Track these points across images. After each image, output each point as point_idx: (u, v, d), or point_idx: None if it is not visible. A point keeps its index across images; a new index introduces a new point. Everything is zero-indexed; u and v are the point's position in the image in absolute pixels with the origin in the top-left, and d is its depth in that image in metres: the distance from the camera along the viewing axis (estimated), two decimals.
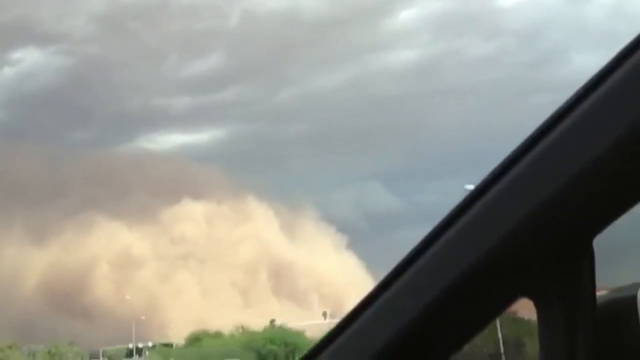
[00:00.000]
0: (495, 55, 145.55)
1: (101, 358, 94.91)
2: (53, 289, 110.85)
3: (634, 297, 1.37)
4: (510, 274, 1.28)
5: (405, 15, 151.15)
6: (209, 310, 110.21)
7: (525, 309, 1.36)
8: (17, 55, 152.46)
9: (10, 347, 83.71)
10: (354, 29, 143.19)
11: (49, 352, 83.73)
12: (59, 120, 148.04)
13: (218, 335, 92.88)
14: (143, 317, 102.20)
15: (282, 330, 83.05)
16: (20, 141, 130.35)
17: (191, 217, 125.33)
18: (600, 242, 1.29)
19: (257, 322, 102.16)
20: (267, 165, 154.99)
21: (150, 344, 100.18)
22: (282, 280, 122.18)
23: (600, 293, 1.34)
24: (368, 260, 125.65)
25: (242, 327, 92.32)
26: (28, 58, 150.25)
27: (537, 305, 1.31)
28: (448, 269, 1.28)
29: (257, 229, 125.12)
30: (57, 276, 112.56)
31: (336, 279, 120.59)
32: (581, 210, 1.24)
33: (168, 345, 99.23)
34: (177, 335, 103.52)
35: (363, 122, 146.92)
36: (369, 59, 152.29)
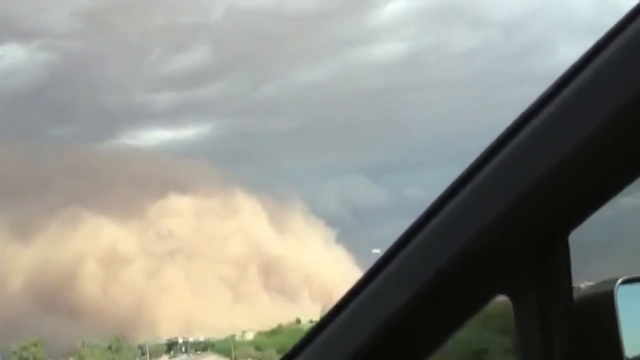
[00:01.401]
0: (481, 48, 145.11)
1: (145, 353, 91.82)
2: (38, 285, 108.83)
3: (611, 293, 1.40)
4: (487, 271, 1.29)
5: (392, 8, 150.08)
6: (199, 306, 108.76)
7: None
8: None
9: (35, 345, 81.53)
10: (340, 22, 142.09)
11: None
12: (41, 117, 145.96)
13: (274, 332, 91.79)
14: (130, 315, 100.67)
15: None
16: (1, 138, 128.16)
17: (178, 212, 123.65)
18: (576, 238, 1.29)
19: (249, 318, 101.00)
20: (252, 160, 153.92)
21: (180, 340, 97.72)
22: (272, 275, 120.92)
23: (576, 288, 1.34)
24: (356, 254, 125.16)
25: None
26: (9, 54, 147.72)
27: (514, 302, 1.32)
28: (424, 267, 1.28)
29: (245, 224, 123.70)
30: (42, 273, 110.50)
31: (326, 274, 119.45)
32: (556, 206, 1.24)
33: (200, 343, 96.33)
34: (166, 332, 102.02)
35: (348, 115, 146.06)
36: (355, 52, 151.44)
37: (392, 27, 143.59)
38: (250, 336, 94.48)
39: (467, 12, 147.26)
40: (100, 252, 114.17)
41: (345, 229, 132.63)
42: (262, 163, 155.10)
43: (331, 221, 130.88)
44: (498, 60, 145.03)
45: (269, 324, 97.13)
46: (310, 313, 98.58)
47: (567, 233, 1.29)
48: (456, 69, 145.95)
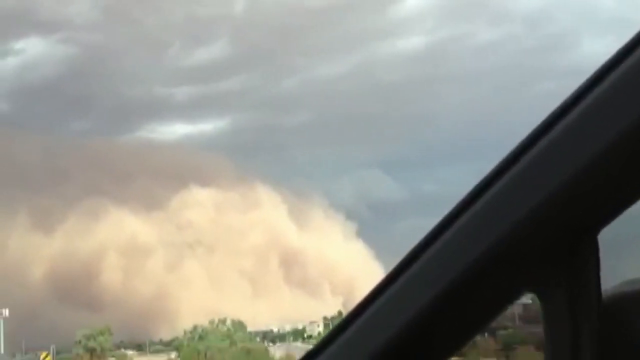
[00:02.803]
0: (502, 41, 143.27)
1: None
2: (59, 276, 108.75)
3: None
4: (515, 268, 1.30)
5: (413, 2, 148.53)
6: (219, 299, 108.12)
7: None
8: (19, 45, 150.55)
9: (102, 334, 78.64)
10: (360, 15, 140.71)
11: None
12: (61, 110, 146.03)
13: None
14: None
15: None
16: (24, 131, 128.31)
17: (198, 204, 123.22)
18: (606, 236, 1.29)
19: (269, 311, 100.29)
20: (270, 153, 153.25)
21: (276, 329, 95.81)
22: (292, 268, 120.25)
23: (606, 287, 1.34)
24: (375, 248, 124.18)
25: None
26: (31, 47, 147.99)
27: (542, 300, 1.33)
28: (452, 264, 1.29)
29: (265, 217, 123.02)
30: (63, 264, 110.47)
31: (347, 267, 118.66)
32: (586, 205, 1.25)
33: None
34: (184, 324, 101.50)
35: (367, 109, 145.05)
36: (375, 45, 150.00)
37: (413, 21, 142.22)
38: (321, 327, 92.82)
39: (489, 5, 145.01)
40: (121, 244, 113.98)
41: (363, 223, 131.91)
42: (280, 156, 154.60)
43: (349, 215, 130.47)
44: (520, 54, 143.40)
45: (290, 317, 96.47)
46: (332, 306, 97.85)
47: (597, 232, 1.29)
48: (477, 63, 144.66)
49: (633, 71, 1.16)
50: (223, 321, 78.86)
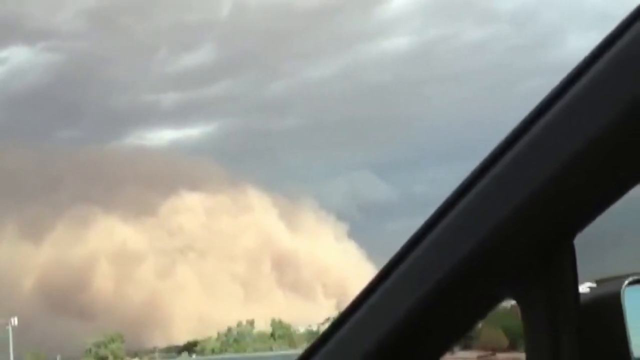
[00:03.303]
0: (489, 40, 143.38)
1: None
2: (49, 285, 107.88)
3: (618, 293, 1.39)
4: (494, 274, 1.30)
5: (399, 2, 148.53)
6: (211, 304, 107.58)
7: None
8: (4, 53, 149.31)
9: (114, 341, 75.98)
10: (346, 17, 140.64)
11: None
12: (48, 118, 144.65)
13: None
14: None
15: None
16: (10, 139, 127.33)
17: (189, 209, 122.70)
18: (581, 239, 1.30)
19: (262, 314, 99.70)
20: (258, 158, 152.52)
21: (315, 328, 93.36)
22: (284, 271, 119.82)
23: (583, 289, 1.35)
24: (367, 249, 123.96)
25: None
26: (15, 56, 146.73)
27: (521, 305, 1.33)
28: (431, 271, 1.29)
29: (256, 220, 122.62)
30: (53, 272, 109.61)
31: (339, 269, 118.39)
32: (561, 209, 1.25)
33: None
34: (180, 330, 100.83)
35: (355, 112, 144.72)
36: (362, 47, 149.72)
37: (399, 21, 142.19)
38: None
39: (475, 4, 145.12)
40: (112, 251, 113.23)
41: (355, 225, 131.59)
42: (269, 160, 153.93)
43: (340, 217, 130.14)
44: (507, 52, 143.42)
45: (284, 320, 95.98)
46: (325, 309, 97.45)
47: (573, 236, 1.30)
48: (465, 63, 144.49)
49: (603, 75, 1.15)
50: (251, 322, 76.25)
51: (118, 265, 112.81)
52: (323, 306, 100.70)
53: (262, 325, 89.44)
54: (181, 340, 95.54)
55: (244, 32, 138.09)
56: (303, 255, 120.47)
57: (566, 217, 1.26)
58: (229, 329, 73.56)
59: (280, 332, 73.91)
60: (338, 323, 1.41)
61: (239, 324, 73.81)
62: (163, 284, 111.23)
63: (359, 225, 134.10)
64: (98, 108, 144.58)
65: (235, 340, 69.93)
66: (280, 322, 74.17)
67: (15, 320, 76.50)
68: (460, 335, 1.39)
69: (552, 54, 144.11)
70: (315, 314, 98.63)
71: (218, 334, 74.67)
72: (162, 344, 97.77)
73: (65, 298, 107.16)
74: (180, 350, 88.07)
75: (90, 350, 75.90)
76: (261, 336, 73.00)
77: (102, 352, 73.14)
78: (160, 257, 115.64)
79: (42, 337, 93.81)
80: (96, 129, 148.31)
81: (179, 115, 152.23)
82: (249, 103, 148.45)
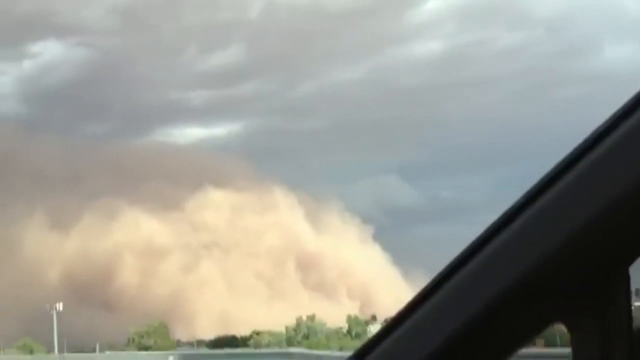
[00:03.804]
0: (522, 46, 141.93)
1: None
2: (74, 277, 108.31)
3: None
4: (545, 298, 1.28)
5: (431, 6, 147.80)
6: (235, 302, 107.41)
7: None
8: (36, 48, 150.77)
9: (157, 331, 74.08)
10: (378, 19, 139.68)
11: None
12: (77, 113, 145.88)
13: None
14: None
15: None
16: (41, 133, 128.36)
17: (214, 205, 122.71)
18: (638, 266, 1.28)
19: (286, 314, 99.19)
20: (285, 158, 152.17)
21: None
22: (308, 271, 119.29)
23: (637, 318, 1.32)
24: (392, 253, 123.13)
25: None
26: (47, 51, 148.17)
27: (571, 331, 1.31)
28: (483, 290, 1.28)
29: (281, 219, 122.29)
30: (78, 265, 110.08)
31: (364, 271, 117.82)
32: (618, 237, 1.24)
33: None
34: (202, 327, 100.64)
35: (383, 115, 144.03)
36: (392, 50, 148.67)
37: (431, 25, 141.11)
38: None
39: (509, 9, 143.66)
40: (137, 245, 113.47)
41: (380, 228, 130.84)
42: (295, 161, 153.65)
43: (365, 220, 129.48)
44: (541, 59, 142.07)
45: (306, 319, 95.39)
46: (349, 310, 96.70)
47: (629, 262, 1.27)
48: (497, 68, 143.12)
49: None
50: (312, 318, 73.33)
51: (143, 258, 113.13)
52: (347, 308, 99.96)
53: (336, 322, 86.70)
54: (205, 335, 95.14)
55: (273, 32, 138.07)
56: (327, 257, 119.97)
57: (622, 245, 1.24)
58: (298, 324, 71.04)
59: (358, 330, 71.22)
60: (379, 337, 1.37)
61: (299, 319, 71.05)
62: (187, 279, 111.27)
63: (384, 228, 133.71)
64: (126, 104, 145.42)
65: (305, 336, 67.36)
66: (356, 318, 71.28)
67: (60, 306, 75.91)
68: (506, 357, 1.34)
69: (588, 62, 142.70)
70: (338, 315, 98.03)
71: (286, 328, 72.38)
72: (183, 339, 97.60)
73: (89, 289, 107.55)
74: (220, 343, 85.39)
75: (133, 339, 74.45)
76: (337, 333, 70.10)
77: (146, 341, 71.31)
78: (185, 252, 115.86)
79: (67, 327, 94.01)
80: (124, 125, 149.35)
81: (206, 114, 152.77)
82: (276, 103, 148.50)
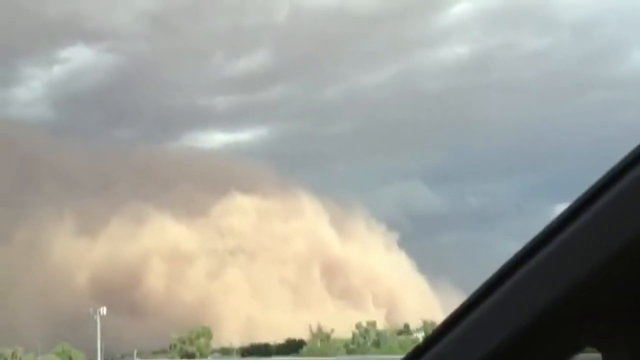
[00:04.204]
0: (549, 50, 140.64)
1: None
2: (101, 282, 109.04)
3: None
4: (578, 322, 1.28)
5: (458, 10, 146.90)
6: (260, 308, 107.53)
7: None
8: (66, 53, 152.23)
9: (200, 336, 73.34)
10: (404, 23, 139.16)
11: None
12: (105, 118, 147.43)
13: None
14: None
15: None
16: (69, 137, 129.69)
17: (240, 210, 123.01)
18: None
19: (311, 321, 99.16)
20: (310, 163, 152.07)
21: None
22: (334, 278, 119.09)
23: None
24: (417, 259, 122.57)
25: None
26: (76, 56, 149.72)
27: (604, 354, 1.31)
28: (517, 312, 1.28)
29: (307, 225, 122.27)
30: (106, 269, 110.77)
31: (389, 278, 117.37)
32: None
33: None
34: (227, 333, 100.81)
35: (409, 119, 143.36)
36: (419, 54, 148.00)
37: (457, 29, 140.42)
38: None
39: (535, 13, 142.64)
40: (164, 250, 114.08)
41: (405, 235, 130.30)
42: (321, 166, 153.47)
43: (390, 226, 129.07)
44: (567, 63, 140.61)
45: (332, 327, 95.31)
46: (375, 318, 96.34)
47: None
48: (523, 72, 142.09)
49: None
50: (373, 324, 71.67)
51: (169, 263, 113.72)
52: (373, 315, 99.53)
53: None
54: (233, 342, 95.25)
55: (300, 36, 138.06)
56: (353, 263, 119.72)
57: None
58: (366, 330, 69.33)
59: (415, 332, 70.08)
60: (414, 356, 1.38)
61: (359, 326, 69.17)
62: (212, 284, 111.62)
63: (409, 235, 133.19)
64: (154, 109, 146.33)
65: (375, 343, 65.97)
66: (433, 324, 70.05)
67: (104, 310, 75.56)
68: None
69: (614, 66, 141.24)
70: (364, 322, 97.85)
71: (354, 334, 70.68)
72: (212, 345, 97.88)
73: (116, 294, 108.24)
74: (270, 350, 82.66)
75: (175, 345, 73.34)
76: (414, 340, 68.14)
77: (187, 347, 69.87)
78: (211, 257, 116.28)
79: (93, 331, 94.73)
80: (151, 130, 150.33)
81: (232, 119, 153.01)
82: (302, 107, 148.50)
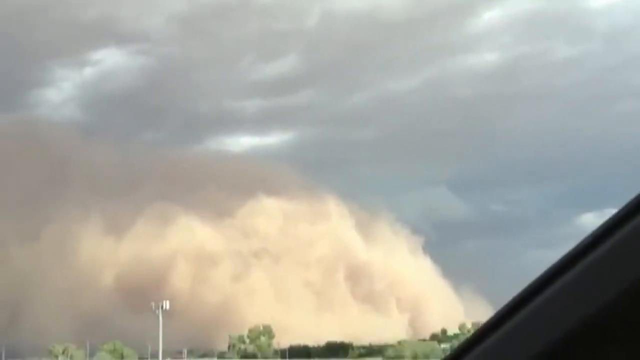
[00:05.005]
0: (580, 59, 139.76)
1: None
2: (127, 282, 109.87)
3: None
4: (611, 338, 1.27)
5: (489, 17, 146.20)
6: (284, 310, 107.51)
7: None
8: (98, 55, 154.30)
9: (263, 335, 69.89)
10: (435, 30, 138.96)
11: None
12: (134, 120, 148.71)
13: None
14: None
15: None
16: (99, 139, 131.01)
17: (266, 213, 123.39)
18: None
19: (334, 324, 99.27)
20: (336, 168, 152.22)
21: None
22: (358, 281, 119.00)
23: None
24: (442, 265, 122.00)
25: None
26: (108, 58, 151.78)
27: None
28: (547, 332, 1.27)
29: (332, 228, 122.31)
30: (132, 270, 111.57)
31: (414, 283, 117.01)
32: None
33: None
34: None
35: (435, 126, 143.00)
36: (448, 61, 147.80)
37: (487, 36, 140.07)
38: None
39: (567, 21, 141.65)
40: (189, 251, 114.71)
41: (430, 240, 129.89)
42: (346, 171, 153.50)
43: (415, 232, 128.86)
44: (598, 72, 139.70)
45: (356, 331, 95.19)
46: (399, 323, 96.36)
47: None
48: (553, 81, 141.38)
49: None
50: (477, 325, 71.80)
51: (195, 264, 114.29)
52: (397, 320, 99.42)
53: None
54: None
55: (329, 42, 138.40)
56: (377, 267, 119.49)
57: None
58: (443, 331, 66.11)
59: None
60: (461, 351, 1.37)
61: (461, 326, 66.62)
62: (237, 286, 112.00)
63: (434, 241, 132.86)
64: (182, 112, 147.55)
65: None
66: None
67: (167, 304, 74.49)
68: None
69: None
70: (389, 327, 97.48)
71: (431, 335, 66.81)
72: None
73: (141, 294, 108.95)
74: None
75: (233, 345, 71.10)
76: None
77: (246, 347, 66.47)
78: (236, 259, 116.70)
79: (119, 330, 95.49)
80: (179, 132, 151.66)
81: (259, 123, 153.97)
82: (329, 113, 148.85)
